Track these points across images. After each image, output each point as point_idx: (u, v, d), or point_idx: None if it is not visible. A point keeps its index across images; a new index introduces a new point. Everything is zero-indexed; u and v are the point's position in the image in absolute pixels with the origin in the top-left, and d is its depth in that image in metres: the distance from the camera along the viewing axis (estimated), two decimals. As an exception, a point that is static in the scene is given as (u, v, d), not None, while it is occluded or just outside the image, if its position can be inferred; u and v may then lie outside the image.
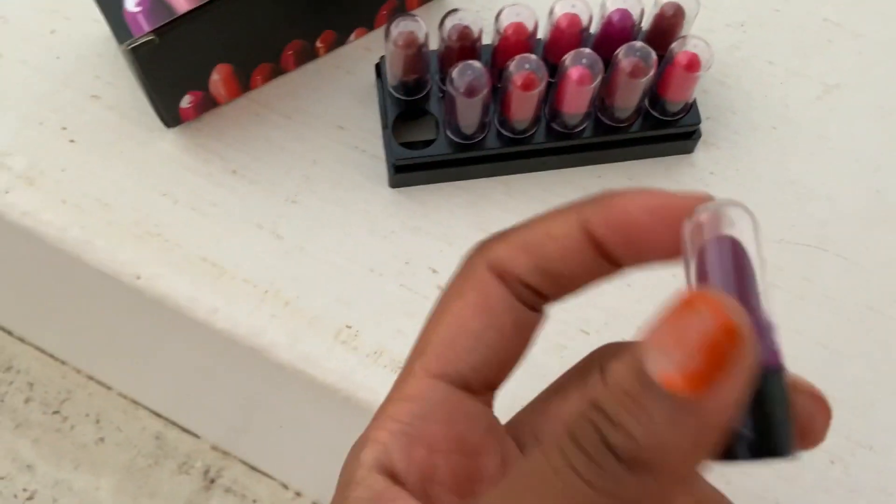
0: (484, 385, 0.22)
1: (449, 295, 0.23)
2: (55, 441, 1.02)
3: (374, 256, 0.40)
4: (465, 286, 0.22)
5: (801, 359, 0.39)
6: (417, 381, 0.22)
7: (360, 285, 0.40)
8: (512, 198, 0.41)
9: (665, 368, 0.16)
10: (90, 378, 1.05)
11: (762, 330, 0.18)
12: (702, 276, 0.19)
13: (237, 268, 0.40)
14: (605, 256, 0.21)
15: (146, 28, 0.35)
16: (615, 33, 0.39)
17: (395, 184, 0.41)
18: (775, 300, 0.40)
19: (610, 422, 0.17)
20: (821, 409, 0.19)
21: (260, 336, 0.39)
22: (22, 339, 1.06)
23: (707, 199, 0.20)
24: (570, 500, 0.17)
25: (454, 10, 0.38)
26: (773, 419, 0.17)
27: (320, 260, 0.40)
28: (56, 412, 1.03)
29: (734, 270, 0.19)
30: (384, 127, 0.41)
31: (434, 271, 0.40)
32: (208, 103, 0.41)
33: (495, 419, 0.24)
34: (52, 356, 1.05)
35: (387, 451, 0.21)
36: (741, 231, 0.19)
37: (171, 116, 0.41)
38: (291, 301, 0.39)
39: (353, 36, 0.43)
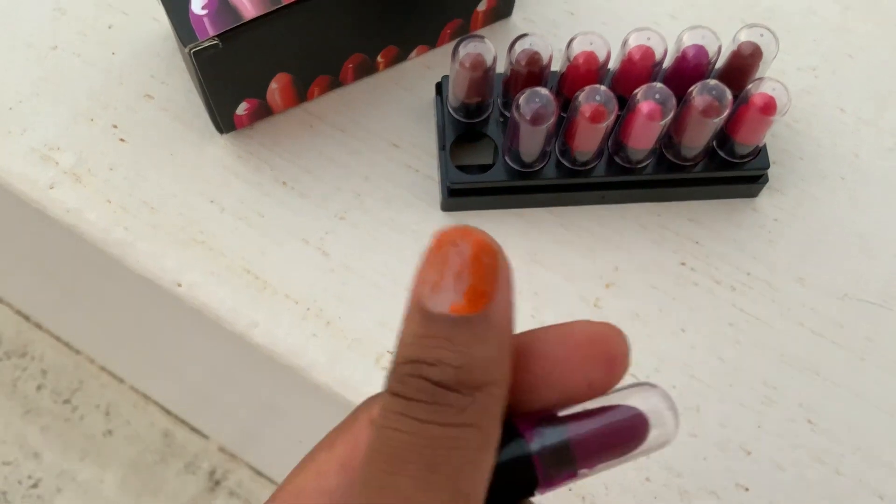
0: None
1: (321, 444, 0.21)
2: (64, 430, 1.01)
3: (421, 280, 0.39)
4: (338, 438, 0.21)
5: (859, 423, 0.37)
6: None
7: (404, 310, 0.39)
8: (567, 230, 0.40)
9: (447, 301, 0.17)
10: (103, 369, 1.04)
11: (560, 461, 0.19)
12: (592, 413, 0.19)
13: (280, 282, 0.39)
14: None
15: (211, 32, 0.34)
16: (688, 69, 0.37)
17: (447, 207, 0.40)
18: (835, 359, 0.38)
19: (425, 364, 0.18)
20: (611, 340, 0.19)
21: (299, 355, 0.38)
22: (39, 326, 1.06)
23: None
24: (426, 451, 0.17)
25: (524, 35, 0.37)
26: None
27: (366, 280, 0.39)
28: (67, 401, 1.03)
29: (618, 433, 0.19)
30: (441, 148, 0.40)
31: (482, 301, 0.39)
32: (263, 111, 0.40)
33: None
34: (67, 345, 1.05)
35: None
36: (656, 428, 0.19)
37: (224, 122, 0.40)
38: (333, 321, 0.38)
39: (414, 53, 0.42)
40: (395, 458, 0.18)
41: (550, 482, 0.19)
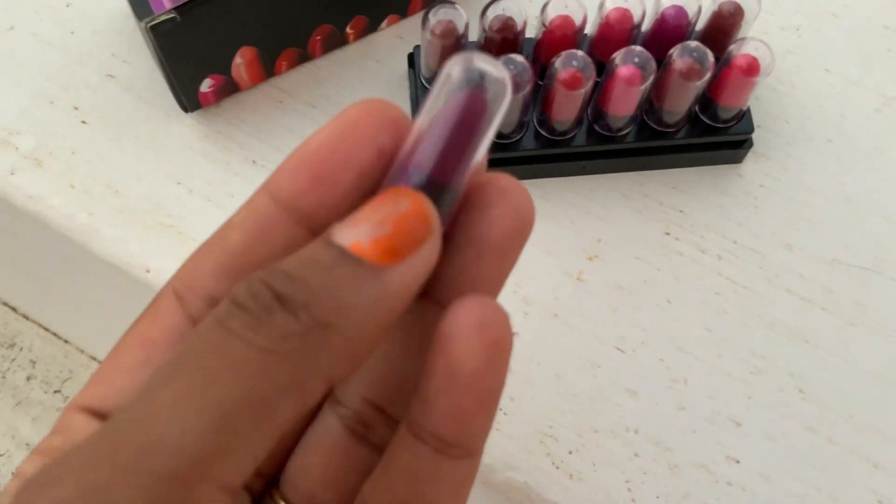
0: None
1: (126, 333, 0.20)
2: (55, 421, 1.00)
3: (399, 258, 0.38)
4: (141, 318, 0.19)
5: (851, 391, 0.36)
6: (65, 414, 0.20)
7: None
8: (548, 202, 0.39)
9: (352, 238, 0.16)
10: (93, 358, 1.03)
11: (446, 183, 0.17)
12: (427, 117, 0.17)
13: (253, 264, 0.37)
14: (303, 222, 0.18)
15: (168, 5, 0.33)
16: (668, 31, 0.36)
17: (423, 182, 0.39)
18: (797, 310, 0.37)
19: (286, 276, 0.15)
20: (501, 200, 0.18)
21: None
22: (26, 316, 1.04)
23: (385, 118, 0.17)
24: (208, 363, 0.15)
25: (497, 0, 0.35)
26: None
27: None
28: (57, 391, 1.02)
29: (462, 124, 0.17)
30: (415, 121, 0.38)
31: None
32: (230, 88, 0.39)
33: None
34: (55, 334, 1.04)
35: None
36: (494, 100, 0.17)
37: (189, 100, 0.38)
38: (309, 302, 0.37)
39: (385, 23, 0.41)
40: (177, 364, 0.15)
41: (446, 220, 0.17)
